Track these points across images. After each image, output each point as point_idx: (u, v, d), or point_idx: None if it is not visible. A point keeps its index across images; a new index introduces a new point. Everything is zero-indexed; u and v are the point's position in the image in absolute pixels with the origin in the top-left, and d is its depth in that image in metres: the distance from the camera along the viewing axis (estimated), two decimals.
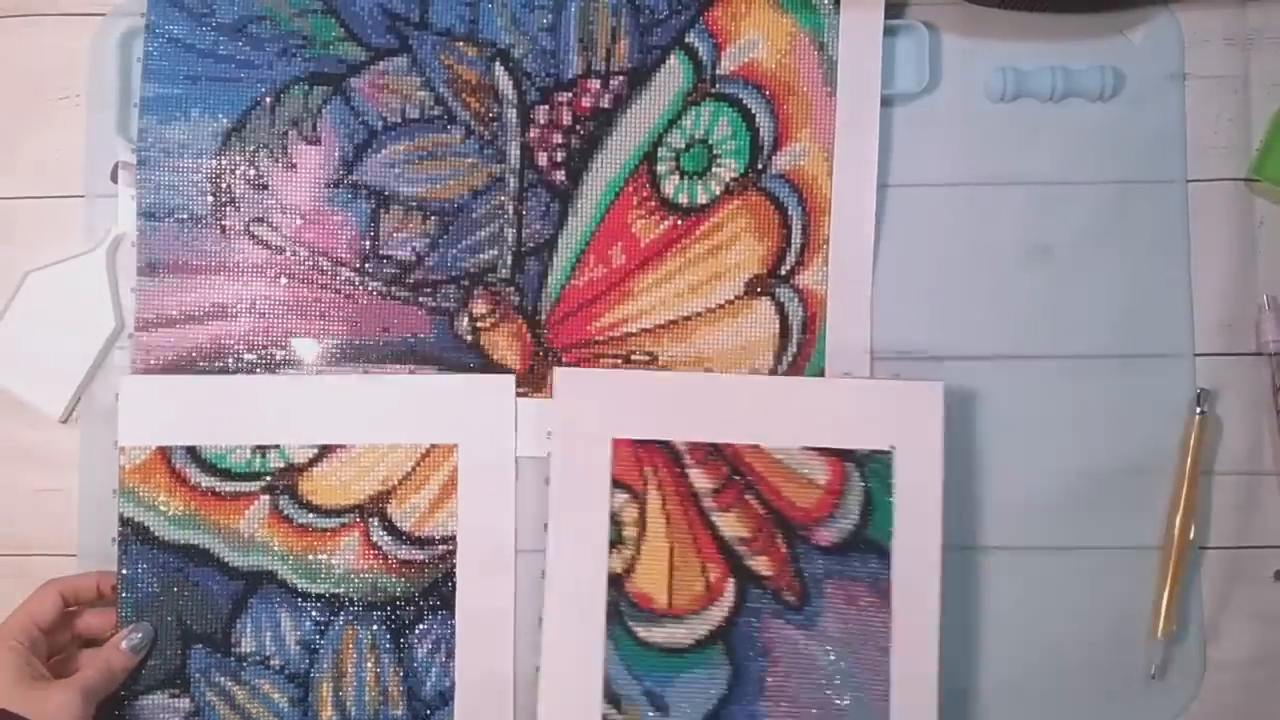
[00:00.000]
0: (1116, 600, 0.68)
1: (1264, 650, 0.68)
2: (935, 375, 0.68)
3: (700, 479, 0.67)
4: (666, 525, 0.66)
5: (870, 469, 0.66)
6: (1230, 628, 0.68)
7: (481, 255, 0.69)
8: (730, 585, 0.66)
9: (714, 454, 0.67)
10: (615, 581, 0.66)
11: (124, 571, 0.66)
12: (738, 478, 0.67)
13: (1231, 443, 0.69)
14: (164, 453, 0.67)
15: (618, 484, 0.67)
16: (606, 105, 0.69)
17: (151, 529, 0.66)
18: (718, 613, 0.66)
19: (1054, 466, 0.68)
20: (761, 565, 0.66)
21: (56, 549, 0.68)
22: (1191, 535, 0.67)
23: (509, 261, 0.69)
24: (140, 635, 0.64)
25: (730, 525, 0.66)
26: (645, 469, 0.67)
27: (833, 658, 0.65)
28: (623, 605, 0.66)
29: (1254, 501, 0.69)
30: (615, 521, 0.66)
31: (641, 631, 0.66)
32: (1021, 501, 0.68)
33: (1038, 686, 0.68)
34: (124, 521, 0.66)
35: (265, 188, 0.68)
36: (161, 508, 0.66)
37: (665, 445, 0.67)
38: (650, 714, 0.65)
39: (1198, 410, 0.68)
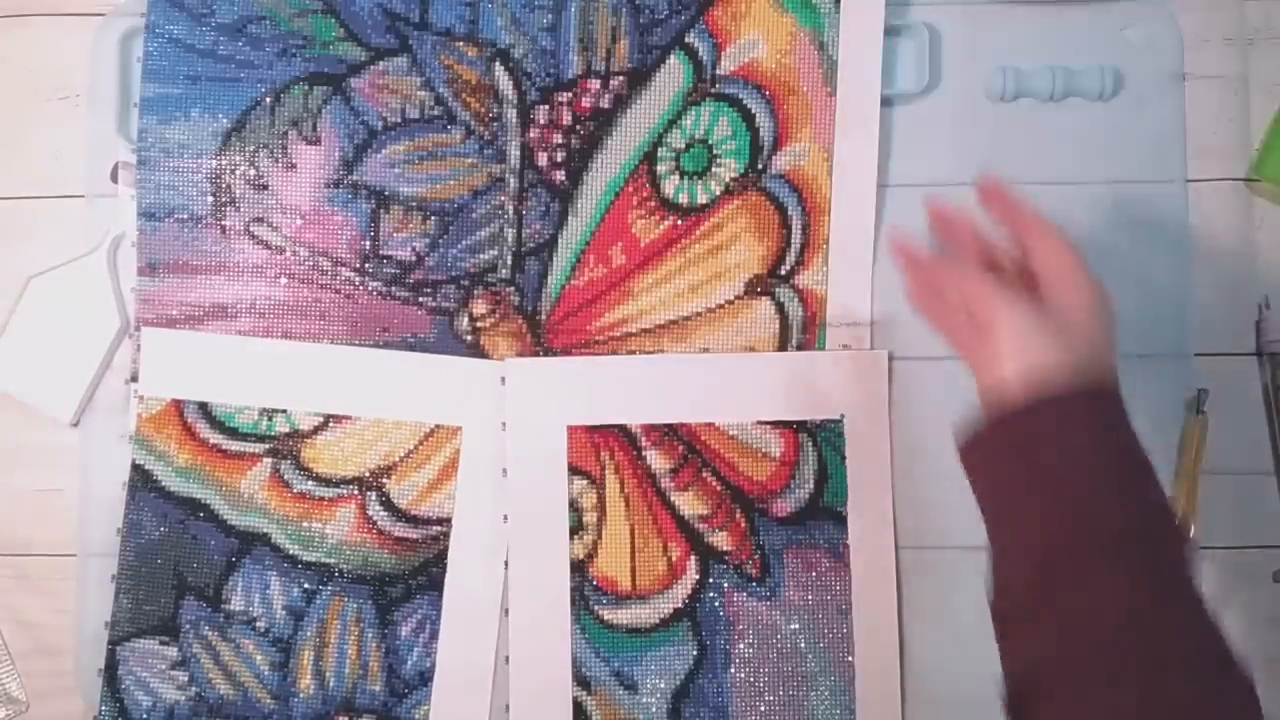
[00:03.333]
0: None
1: (1264, 651, 0.68)
2: (936, 374, 0.68)
3: (657, 460, 0.67)
4: (626, 508, 0.67)
5: (822, 438, 0.67)
6: (1229, 628, 0.67)
7: (481, 255, 0.69)
8: (692, 563, 0.67)
9: (669, 434, 0.67)
10: (578, 567, 0.67)
11: (129, 516, 0.67)
12: (694, 456, 0.67)
13: (1231, 443, 0.69)
14: (178, 405, 0.67)
15: (575, 471, 0.67)
16: (606, 105, 0.69)
17: (158, 478, 0.67)
18: (681, 591, 0.67)
19: None
20: (722, 541, 0.67)
21: (56, 549, 0.68)
22: (1191, 535, 0.67)
23: (509, 261, 0.69)
24: None
25: (689, 504, 0.67)
26: (602, 454, 0.67)
27: (796, 626, 0.66)
28: (587, 590, 0.67)
29: (1253, 502, 0.69)
30: (575, 508, 0.67)
31: (607, 614, 0.67)
32: None
33: None
34: (134, 468, 0.67)
35: (265, 188, 0.68)
36: (170, 458, 0.67)
37: (621, 429, 0.67)
38: (620, 694, 0.66)
39: (1197, 410, 0.68)
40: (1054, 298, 0.52)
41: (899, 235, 0.58)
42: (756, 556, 0.67)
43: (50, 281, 0.68)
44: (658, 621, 0.67)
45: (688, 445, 0.68)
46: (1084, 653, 0.45)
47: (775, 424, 0.68)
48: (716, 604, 0.67)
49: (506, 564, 0.67)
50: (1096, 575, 0.46)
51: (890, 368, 0.68)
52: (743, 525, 0.67)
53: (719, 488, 0.68)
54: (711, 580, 0.67)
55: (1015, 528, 0.50)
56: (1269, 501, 0.69)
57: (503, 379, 0.67)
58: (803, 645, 0.67)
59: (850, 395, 0.68)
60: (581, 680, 0.67)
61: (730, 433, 0.68)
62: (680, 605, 0.67)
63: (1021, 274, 0.55)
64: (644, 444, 0.68)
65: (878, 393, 0.68)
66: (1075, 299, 0.52)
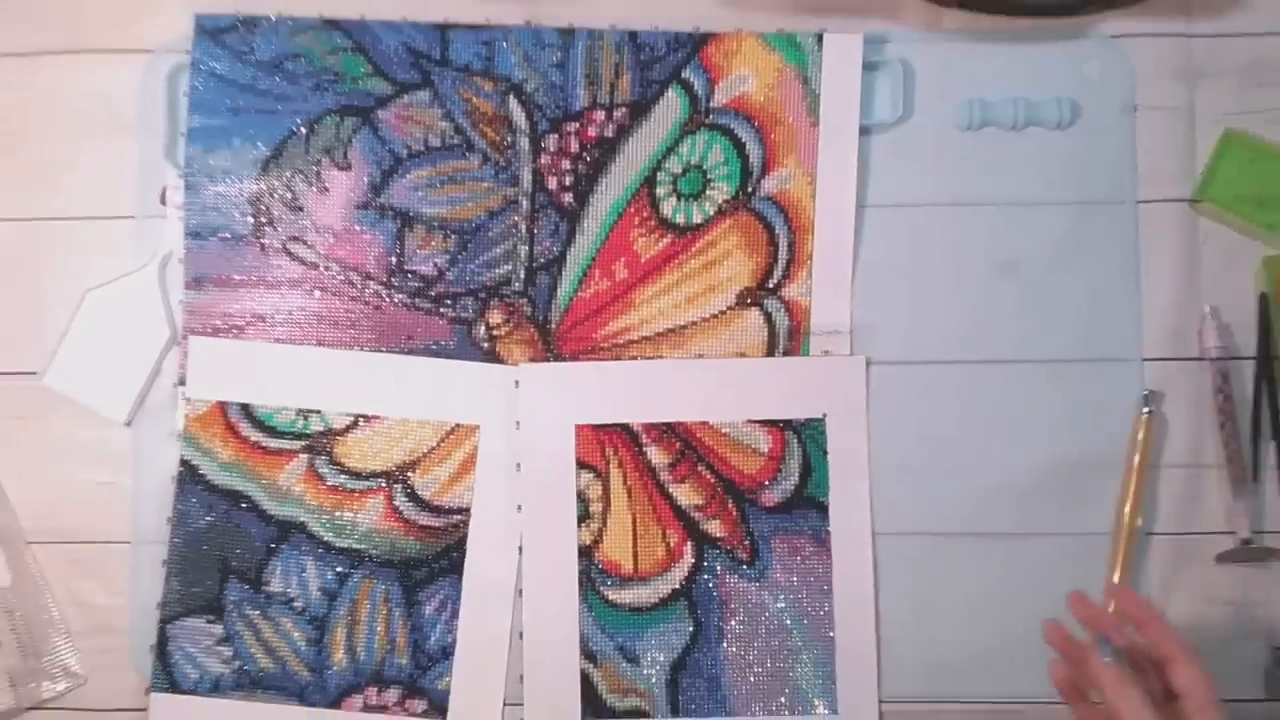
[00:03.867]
0: (1073, 581, 0.72)
1: (1210, 627, 0.75)
2: (909, 378, 0.75)
3: (656, 455, 0.74)
4: (628, 499, 0.74)
5: (806, 435, 0.74)
6: (1175, 607, 0.75)
7: (497, 270, 0.75)
8: (688, 548, 0.74)
9: (668, 432, 0.74)
10: (585, 552, 0.74)
11: (178, 507, 0.74)
12: (690, 452, 0.74)
13: (1176, 439, 0.75)
14: (222, 407, 0.74)
15: (582, 465, 0.74)
16: (610, 134, 0.75)
17: (204, 472, 0.74)
18: (678, 573, 0.74)
19: (1017, 460, 0.75)
20: (715, 528, 0.74)
21: (111, 536, 0.75)
22: (1140, 523, 0.74)
23: (522, 275, 0.75)
24: None
25: (686, 495, 0.74)
26: (606, 450, 0.74)
27: (782, 604, 0.73)
28: (593, 573, 0.74)
29: (1196, 492, 0.75)
30: (582, 499, 0.74)
31: (611, 595, 0.73)
32: (989, 492, 0.75)
33: (1002, 660, 0.74)
34: (183, 463, 0.74)
35: (301, 209, 0.75)
36: (215, 454, 0.74)
37: (623, 428, 0.74)
38: (623, 666, 0.73)
39: (1146, 410, 0.74)
40: None
41: (1056, 625, 0.65)
42: (747, 542, 0.74)
43: (105, 295, 0.75)
44: (657, 601, 0.74)
45: (684, 442, 0.75)
46: None
47: (763, 422, 0.75)
48: (710, 585, 0.74)
49: (520, 549, 0.74)
50: None
51: (867, 371, 0.75)
52: (734, 514, 0.74)
53: (713, 480, 0.74)
54: (706, 564, 0.74)
55: None
56: (1211, 492, 0.75)
57: (516, 382, 0.74)
58: (788, 622, 0.73)
59: (831, 396, 0.75)
60: (589, 653, 0.73)
61: (723, 430, 0.75)
62: (678, 586, 0.74)
63: (1158, 675, 0.61)
64: (645, 441, 0.74)
65: (856, 394, 0.75)
66: None
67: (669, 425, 0.75)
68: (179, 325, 0.75)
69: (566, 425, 0.74)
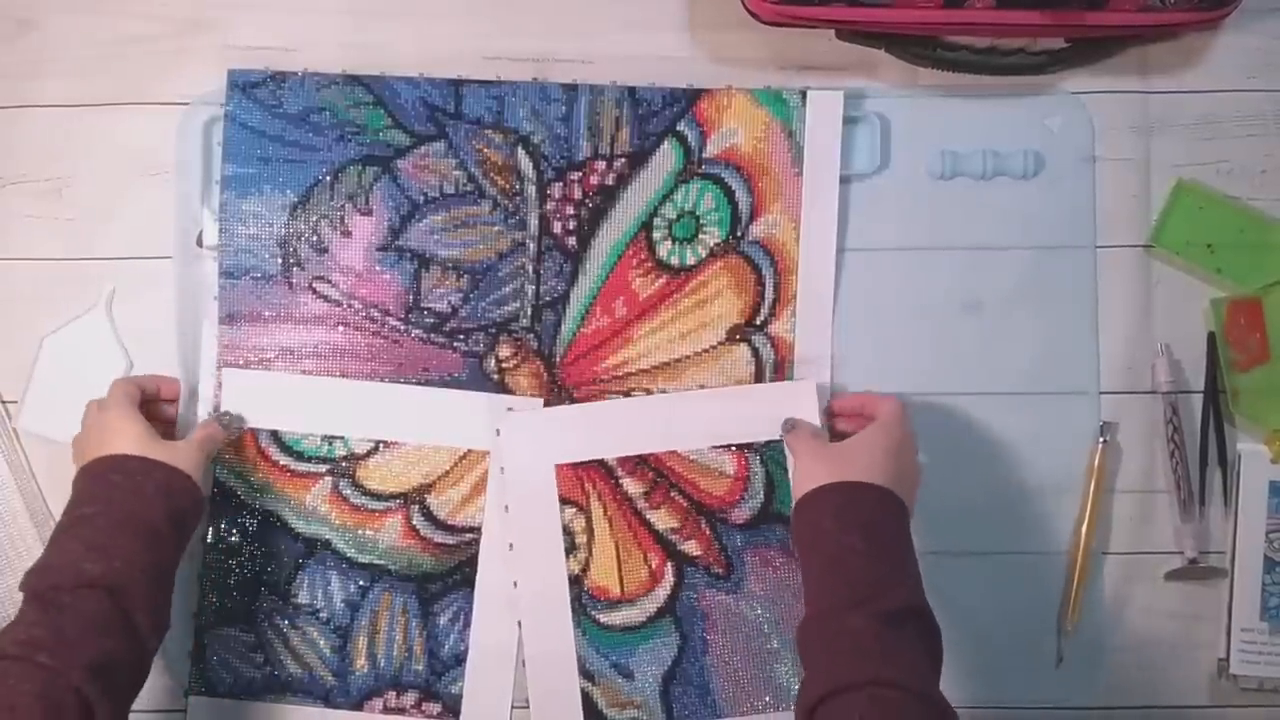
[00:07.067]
0: (1033, 596, 0.81)
1: (1159, 638, 0.81)
2: None
3: (632, 486, 0.80)
4: (610, 528, 0.80)
5: (768, 455, 0.80)
6: (1127, 620, 0.81)
7: (506, 307, 0.82)
8: (669, 568, 0.80)
9: (641, 464, 0.80)
10: (575, 580, 0.80)
11: (213, 525, 0.80)
12: (662, 480, 0.81)
13: (1130, 466, 0.81)
14: (253, 433, 0.80)
15: (565, 501, 0.80)
16: (611, 183, 0.82)
17: (238, 493, 0.80)
18: (662, 592, 0.80)
19: (983, 484, 0.81)
20: (692, 548, 0.80)
21: None
22: (1095, 543, 0.80)
23: (529, 313, 0.82)
24: (230, 416, 0.79)
25: (662, 520, 0.80)
26: (586, 485, 0.80)
27: (759, 612, 0.80)
28: (584, 599, 0.80)
29: (1148, 515, 0.81)
30: (567, 532, 0.80)
31: (602, 617, 0.80)
32: (956, 513, 0.81)
33: (968, 668, 0.80)
34: (217, 485, 0.80)
35: (326, 251, 0.81)
36: (247, 477, 0.80)
37: (600, 463, 0.80)
38: (619, 682, 0.80)
39: (1102, 439, 0.81)
40: (860, 435, 0.74)
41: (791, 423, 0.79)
42: (722, 558, 0.80)
43: (62, 337, 0.80)
44: (645, 620, 0.80)
45: (656, 471, 0.81)
46: None
47: (727, 447, 0.81)
48: (692, 600, 0.80)
49: (515, 584, 0.80)
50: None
51: (818, 394, 0.79)
52: (708, 533, 0.80)
53: (685, 504, 0.80)
54: (686, 581, 0.80)
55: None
56: (1161, 515, 0.81)
57: (498, 431, 0.80)
58: (766, 628, 0.80)
59: (784, 418, 0.79)
60: (586, 673, 0.80)
61: (690, 457, 0.81)
62: (662, 604, 0.80)
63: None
64: (620, 474, 0.81)
65: (809, 415, 0.79)
66: (864, 436, 0.74)
67: (641, 457, 0.81)
68: (214, 357, 0.81)
69: (547, 466, 0.80)
